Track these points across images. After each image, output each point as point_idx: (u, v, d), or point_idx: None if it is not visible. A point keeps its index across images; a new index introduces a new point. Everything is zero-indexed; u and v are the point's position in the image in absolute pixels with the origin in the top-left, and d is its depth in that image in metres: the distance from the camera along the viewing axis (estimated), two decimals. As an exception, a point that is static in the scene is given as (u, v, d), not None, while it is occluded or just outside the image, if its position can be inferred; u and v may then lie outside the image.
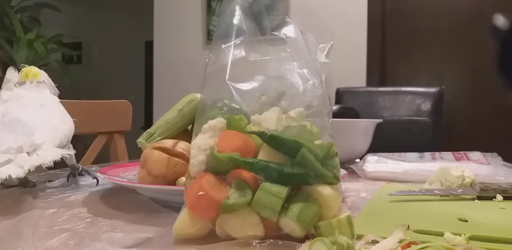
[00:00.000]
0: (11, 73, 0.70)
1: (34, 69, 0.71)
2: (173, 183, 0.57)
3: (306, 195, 0.39)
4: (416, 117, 1.92)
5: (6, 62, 3.65)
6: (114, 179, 0.59)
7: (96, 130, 1.23)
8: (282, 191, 0.38)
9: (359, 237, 0.40)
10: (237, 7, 0.47)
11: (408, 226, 0.42)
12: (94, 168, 0.91)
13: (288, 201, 0.39)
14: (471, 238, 0.39)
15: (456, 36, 2.34)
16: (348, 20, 2.49)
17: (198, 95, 0.69)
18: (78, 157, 1.04)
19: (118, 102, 1.26)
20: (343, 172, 0.62)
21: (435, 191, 0.61)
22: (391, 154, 0.93)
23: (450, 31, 2.36)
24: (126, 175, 0.67)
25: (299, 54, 0.47)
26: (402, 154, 0.94)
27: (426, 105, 1.92)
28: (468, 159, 0.85)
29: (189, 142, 0.46)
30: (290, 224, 0.38)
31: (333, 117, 0.47)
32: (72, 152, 0.64)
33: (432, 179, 0.69)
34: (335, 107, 1.66)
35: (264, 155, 0.41)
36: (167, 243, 0.41)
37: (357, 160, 0.97)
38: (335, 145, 0.43)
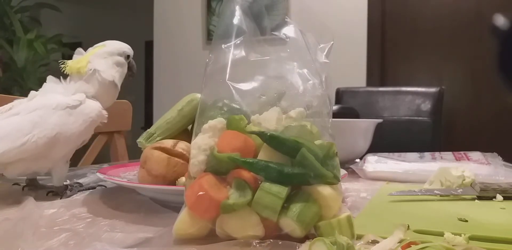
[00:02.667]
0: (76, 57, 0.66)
1: (77, 64, 0.65)
2: (173, 183, 0.57)
3: (306, 195, 0.39)
4: (416, 117, 1.92)
5: (6, 62, 3.65)
6: (114, 179, 0.59)
7: (96, 130, 1.22)
8: (282, 191, 0.38)
9: (359, 237, 0.40)
10: (237, 7, 0.47)
11: (408, 226, 0.42)
12: (89, 168, 0.91)
13: (288, 201, 0.39)
14: (471, 238, 0.39)
15: (456, 36, 2.34)
16: (348, 20, 2.49)
17: (198, 95, 0.69)
18: (78, 157, 1.02)
19: (118, 102, 1.25)
20: (343, 172, 0.62)
21: (435, 191, 0.61)
22: (391, 154, 0.93)
23: (450, 31, 2.35)
24: (126, 175, 0.67)
25: (299, 54, 0.47)
26: (402, 154, 0.94)
27: (426, 105, 1.92)
28: (468, 159, 0.85)
29: (189, 142, 0.46)
30: (290, 224, 0.38)
31: (333, 117, 0.47)
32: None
33: (432, 179, 0.69)
34: (335, 107, 1.66)
35: (264, 155, 0.41)
36: (167, 243, 0.41)
37: (357, 160, 0.97)
38: (335, 145, 0.43)
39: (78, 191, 0.65)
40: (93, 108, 0.63)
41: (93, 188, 0.67)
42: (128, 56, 0.69)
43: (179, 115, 0.71)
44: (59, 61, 0.66)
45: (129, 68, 0.70)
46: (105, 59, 0.66)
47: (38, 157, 0.59)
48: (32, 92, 0.64)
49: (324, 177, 0.40)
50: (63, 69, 0.65)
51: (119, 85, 0.67)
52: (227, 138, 0.41)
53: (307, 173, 0.39)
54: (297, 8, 2.56)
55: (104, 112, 0.66)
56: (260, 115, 0.43)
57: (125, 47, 0.69)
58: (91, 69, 0.64)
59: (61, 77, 0.65)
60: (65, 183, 0.64)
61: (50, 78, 0.65)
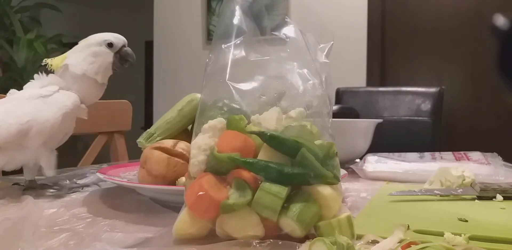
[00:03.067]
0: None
1: (56, 61, 0.65)
2: (173, 183, 0.57)
3: (306, 195, 0.39)
4: (416, 117, 1.92)
5: (6, 62, 3.65)
6: (114, 179, 0.59)
7: (96, 130, 1.23)
8: (282, 191, 0.38)
9: (359, 237, 0.40)
10: (237, 7, 0.47)
11: (408, 226, 0.42)
12: (89, 168, 0.91)
13: (288, 201, 0.39)
14: (471, 238, 0.39)
15: (456, 36, 2.34)
16: (348, 20, 2.49)
17: (198, 95, 0.69)
18: (78, 157, 1.02)
19: (118, 102, 1.26)
20: (343, 172, 0.62)
21: (435, 191, 0.61)
22: (391, 154, 0.93)
23: (450, 31, 2.35)
24: (126, 175, 0.67)
25: (299, 54, 0.47)
26: (402, 154, 0.94)
27: (426, 105, 1.92)
28: (468, 159, 0.85)
29: (189, 142, 0.46)
30: (290, 224, 0.38)
31: (333, 117, 0.47)
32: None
33: (432, 179, 0.69)
34: (335, 107, 1.66)
35: (264, 155, 0.41)
36: (167, 243, 0.41)
37: (357, 160, 0.97)
38: (335, 145, 0.43)
39: (71, 189, 0.64)
40: (68, 98, 0.62)
41: (88, 185, 0.67)
42: (110, 44, 0.66)
43: (179, 115, 0.71)
44: (43, 59, 0.66)
45: (123, 57, 0.67)
46: (80, 52, 0.65)
47: (15, 145, 0.59)
48: (12, 90, 0.65)
49: (324, 177, 0.40)
50: (48, 67, 0.65)
51: (98, 77, 0.66)
52: (227, 138, 0.41)
53: (307, 173, 0.39)
54: (297, 8, 2.56)
55: (83, 106, 0.65)
56: (260, 115, 0.43)
57: (108, 36, 0.66)
58: (64, 65, 0.64)
59: (39, 72, 0.65)
60: (65, 182, 0.65)
61: (35, 76, 0.66)
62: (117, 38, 0.67)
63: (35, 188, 0.66)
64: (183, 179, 0.56)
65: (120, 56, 0.67)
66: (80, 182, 0.71)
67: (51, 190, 0.63)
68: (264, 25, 0.49)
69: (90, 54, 0.65)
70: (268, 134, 0.40)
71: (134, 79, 4.52)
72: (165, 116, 0.72)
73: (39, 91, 0.62)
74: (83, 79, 0.65)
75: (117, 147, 1.27)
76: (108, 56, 0.66)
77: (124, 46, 0.67)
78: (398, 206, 0.56)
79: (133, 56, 0.68)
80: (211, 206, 0.38)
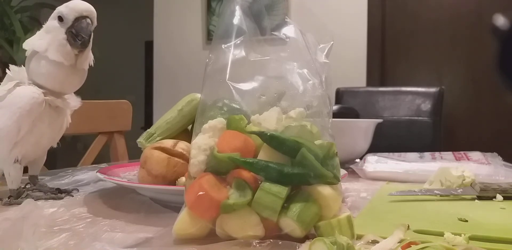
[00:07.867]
0: None
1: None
2: (173, 183, 0.57)
3: (306, 195, 0.39)
4: (416, 118, 1.91)
5: (6, 62, 3.65)
6: (114, 179, 0.59)
7: (96, 130, 1.23)
8: (282, 191, 0.38)
9: (359, 237, 0.40)
10: (237, 7, 0.47)
11: (408, 226, 0.42)
12: (89, 168, 0.91)
13: (288, 201, 0.39)
14: (471, 238, 0.39)
15: (456, 36, 2.34)
16: (348, 20, 2.49)
17: (198, 95, 0.69)
18: (78, 157, 1.02)
19: (118, 102, 1.26)
20: (343, 172, 0.62)
21: (435, 191, 0.61)
22: (391, 154, 0.93)
23: (450, 31, 2.35)
24: (126, 175, 0.67)
25: (299, 54, 0.47)
26: (402, 154, 0.94)
27: (426, 105, 1.92)
28: (468, 159, 0.85)
29: (189, 142, 0.46)
30: (290, 224, 0.38)
31: (333, 117, 0.47)
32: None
33: (432, 179, 0.69)
34: (335, 107, 1.66)
35: (264, 155, 0.41)
36: (167, 243, 0.41)
37: (357, 160, 0.97)
38: (335, 145, 0.43)
39: (25, 197, 0.57)
40: (22, 96, 0.54)
41: (55, 198, 0.60)
42: (60, 18, 0.55)
43: (179, 115, 0.71)
44: None
45: (77, 32, 0.55)
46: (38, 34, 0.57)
47: None
48: None
49: (324, 177, 0.40)
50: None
51: (49, 54, 0.55)
52: (227, 138, 0.41)
53: (307, 173, 0.39)
54: (297, 8, 2.56)
55: (50, 98, 0.56)
56: (260, 115, 0.43)
57: (61, 7, 0.55)
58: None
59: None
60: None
61: (7, 71, 0.61)
62: (69, 9, 0.55)
63: (17, 199, 0.58)
64: (183, 179, 0.56)
65: (75, 31, 0.55)
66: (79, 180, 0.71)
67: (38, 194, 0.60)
68: (264, 25, 0.49)
69: (44, 30, 0.57)
70: (268, 134, 0.40)
71: (134, 79, 4.52)
72: (165, 116, 0.72)
73: None
74: (39, 60, 0.56)
75: (117, 147, 1.27)
76: (59, 32, 0.55)
77: (79, 18, 0.54)
78: (398, 206, 0.56)
79: (86, 30, 0.54)
80: (211, 206, 0.38)
